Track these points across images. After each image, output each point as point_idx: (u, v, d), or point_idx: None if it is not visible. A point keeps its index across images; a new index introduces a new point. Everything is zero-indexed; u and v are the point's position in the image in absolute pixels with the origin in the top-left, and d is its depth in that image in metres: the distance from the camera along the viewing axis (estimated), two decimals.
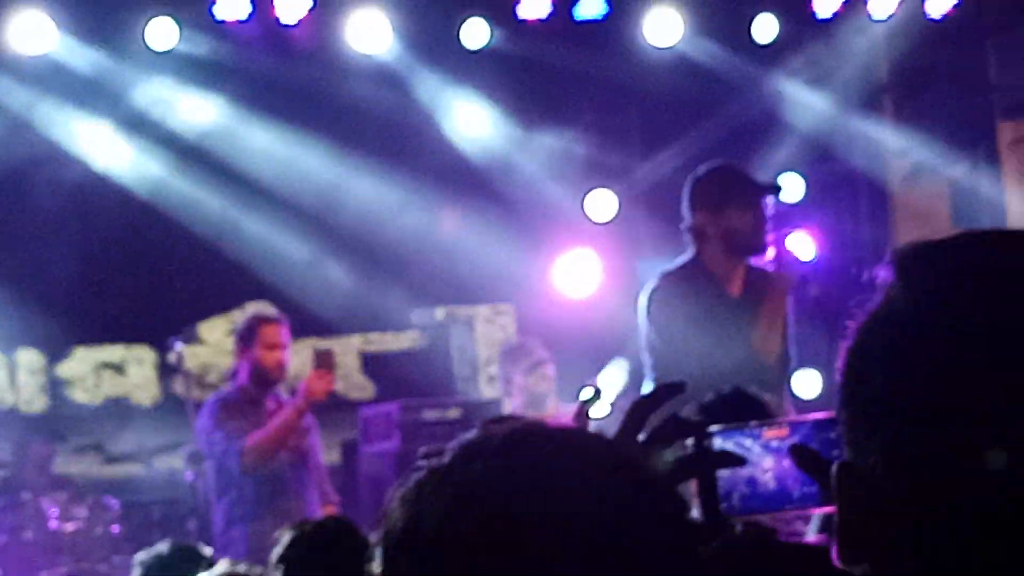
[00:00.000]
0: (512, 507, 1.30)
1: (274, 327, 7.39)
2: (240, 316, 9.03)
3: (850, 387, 1.20)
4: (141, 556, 4.77)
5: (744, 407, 3.55)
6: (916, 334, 1.14)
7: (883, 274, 1.22)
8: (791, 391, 6.48)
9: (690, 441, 1.80)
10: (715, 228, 5.90)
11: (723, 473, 1.78)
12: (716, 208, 5.89)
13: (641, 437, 1.83)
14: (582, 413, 2.07)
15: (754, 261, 6.13)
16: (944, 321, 1.14)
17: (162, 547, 4.79)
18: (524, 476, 1.32)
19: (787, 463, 1.76)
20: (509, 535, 1.29)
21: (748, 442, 1.79)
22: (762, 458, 1.77)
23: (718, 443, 1.79)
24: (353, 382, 10.52)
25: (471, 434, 1.37)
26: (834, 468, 1.21)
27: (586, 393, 7.73)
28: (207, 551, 4.97)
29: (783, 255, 6.54)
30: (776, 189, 6.33)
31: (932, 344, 1.13)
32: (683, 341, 5.73)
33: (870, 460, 1.18)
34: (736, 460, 1.77)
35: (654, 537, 1.32)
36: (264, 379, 7.25)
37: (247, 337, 7.34)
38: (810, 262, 9.29)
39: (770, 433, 1.78)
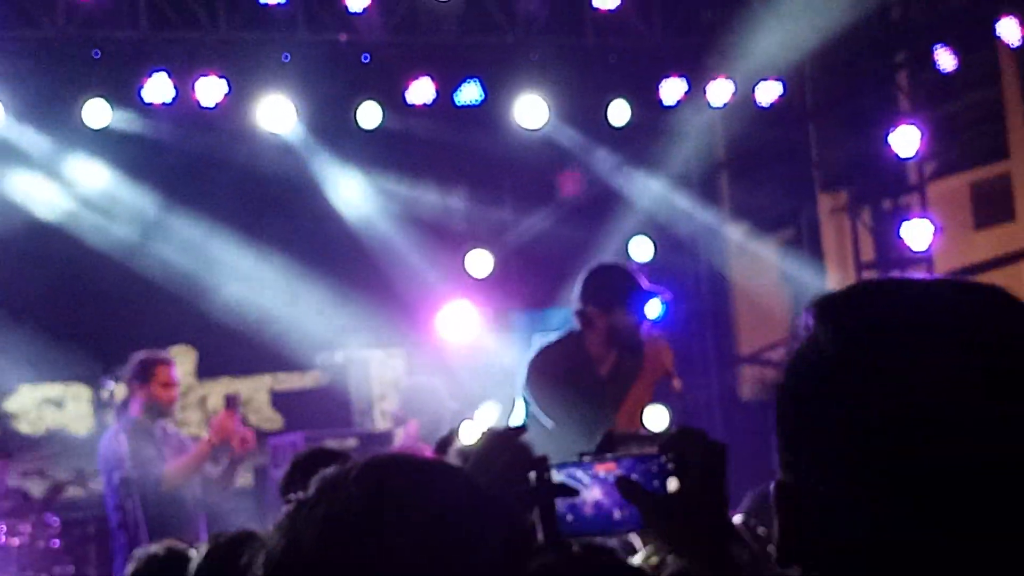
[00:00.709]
0: (373, 529, 1.39)
1: (168, 367, 7.87)
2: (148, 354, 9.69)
3: (785, 418, 1.29)
4: (138, 552, 4.76)
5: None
6: (841, 372, 1.23)
7: (805, 320, 1.31)
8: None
9: (533, 474, 1.88)
10: (602, 321, 6.01)
11: (562, 500, 1.87)
12: (605, 306, 6.00)
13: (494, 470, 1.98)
14: (443, 445, 2.20)
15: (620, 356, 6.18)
16: (863, 360, 1.23)
17: (157, 548, 4.81)
18: (382, 502, 1.41)
19: (613, 492, 1.85)
20: (370, 553, 1.39)
21: (580, 474, 1.87)
22: (592, 488, 1.86)
23: (555, 476, 1.88)
24: (264, 415, 10.97)
25: (332, 469, 1.45)
26: (772, 486, 1.31)
27: (459, 428, 8.51)
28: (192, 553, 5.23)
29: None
30: (659, 295, 6.30)
31: (855, 380, 1.22)
32: (551, 411, 5.87)
33: (801, 478, 1.27)
34: (569, 491, 1.86)
35: (493, 553, 1.42)
36: (158, 412, 7.74)
37: (143, 375, 7.79)
38: (658, 318, 9.87)
39: (600, 467, 1.86)
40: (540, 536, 1.86)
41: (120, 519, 7.93)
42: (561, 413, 5.84)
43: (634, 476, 1.85)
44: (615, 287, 6.07)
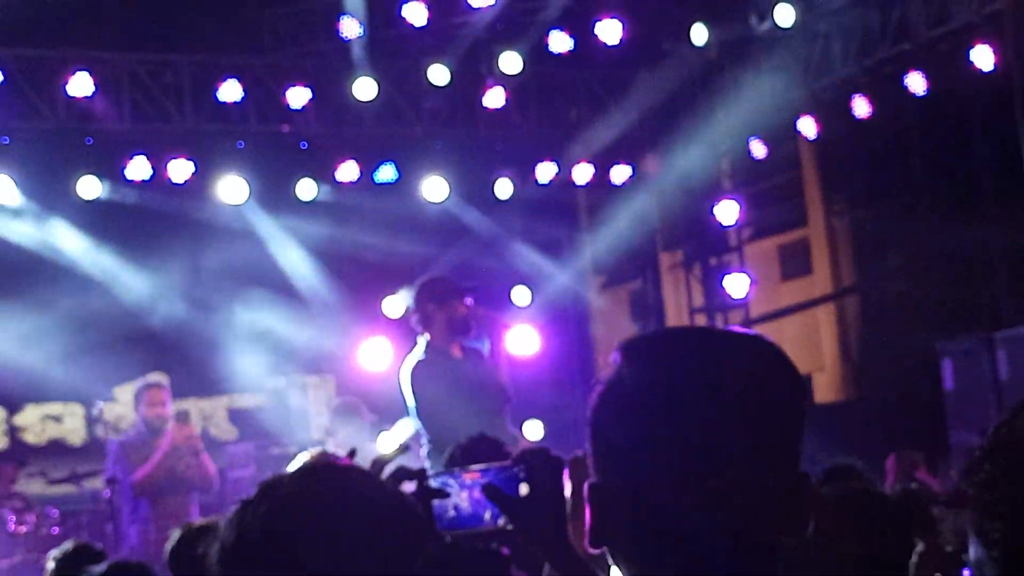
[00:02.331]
0: (306, 521, 1.54)
1: (155, 391, 8.69)
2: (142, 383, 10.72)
3: (595, 434, 1.41)
4: (54, 553, 4.82)
5: (484, 446, 4.21)
6: (638, 402, 1.37)
7: (614, 357, 1.42)
8: (513, 419, 6.97)
9: (412, 481, 2.02)
10: (440, 314, 6.50)
11: (438, 501, 2.00)
12: (441, 301, 6.52)
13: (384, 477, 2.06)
14: (376, 465, 2.12)
15: (463, 340, 6.72)
16: (652, 393, 1.37)
17: (67, 545, 4.86)
18: (314, 499, 1.57)
19: (478, 495, 1.99)
20: (305, 541, 1.53)
21: (452, 481, 1.99)
22: (461, 492, 2.01)
23: (432, 482, 2.01)
24: (223, 428, 12.13)
25: (271, 475, 1.62)
26: (586, 486, 1.41)
27: (380, 440, 8.55)
28: (99, 547, 5.05)
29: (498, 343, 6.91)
30: (476, 289, 6.77)
31: (646, 407, 1.37)
32: (437, 402, 6.31)
33: (607, 481, 1.40)
34: (441, 494, 2.01)
35: (401, 536, 1.58)
36: (150, 427, 8.61)
37: (137, 398, 8.77)
38: (535, 353, 10.26)
39: (467, 476, 1.98)
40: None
41: (110, 512, 8.98)
42: (444, 401, 6.22)
43: (498, 483, 1.98)
44: (445, 286, 6.64)
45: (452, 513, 2.02)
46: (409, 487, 2.01)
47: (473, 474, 2.02)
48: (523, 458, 2.02)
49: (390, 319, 11.09)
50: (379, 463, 2.12)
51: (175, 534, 4.29)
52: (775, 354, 1.44)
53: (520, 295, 12.18)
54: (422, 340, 6.62)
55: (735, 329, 1.52)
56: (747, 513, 1.37)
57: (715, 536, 1.36)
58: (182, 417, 8.64)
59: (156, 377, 9.60)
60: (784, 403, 1.42)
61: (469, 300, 6.66)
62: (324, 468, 1.66)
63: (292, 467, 4.14)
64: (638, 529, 1.39)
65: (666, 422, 1.37)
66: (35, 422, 11.82)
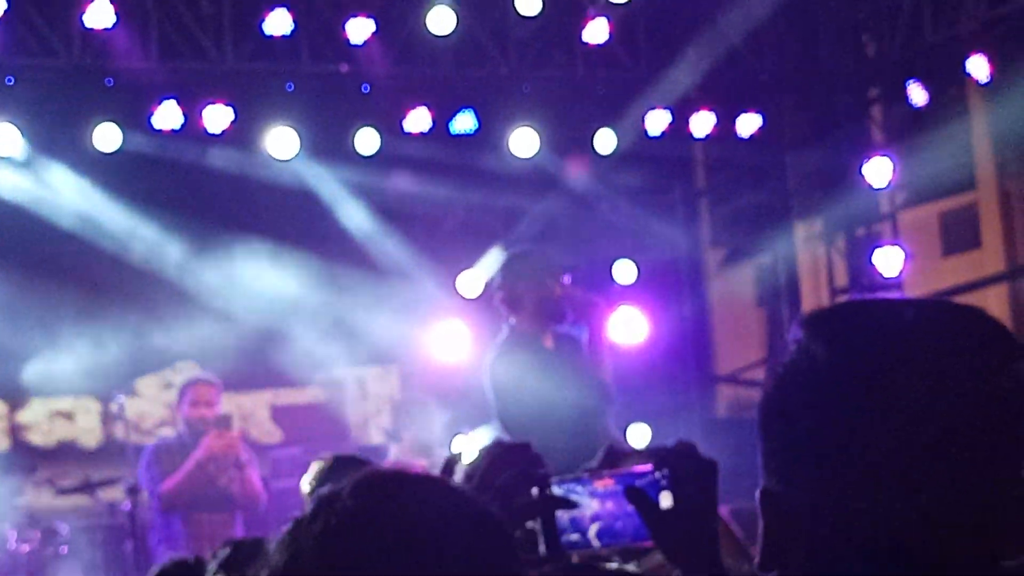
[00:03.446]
0: (367, 543, 1.38)
1: (202, 388, 8.18)
2: (171, 374, 9.70)
3: (771, 426, 1.29)
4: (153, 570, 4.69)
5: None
6: (832, 383, 1.25)
7: (795, 334, 1.31)
8: (614, 421, 6.51)
9: (535, 489, 1.88)
10: (531, 295, 6.08)
11: (564, 513, 1.86)
12: (533, 279, 6.09)
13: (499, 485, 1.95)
14: (449, 466, 2.14)
15: (557, 327, 6.23)
16: (854, 372, 1.25)
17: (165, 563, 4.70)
18: (375, 517, 1.40)
19: (611, 506, 1.84)
20: (366, 566, 1.37)
21: (580, 489, 1.86)
22: (591, 503, 1.86)
23: (555, 490, 1.87)
24: (265, 429, 11.07)
25: (326, 488, 1.44)
26: (757, 493, 1.29)
27: (455, 445, 8.37)
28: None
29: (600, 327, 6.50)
30: (575, 268, 6.41)
31: (846, 391, 1.24)
32: (523, 402, 5.92)
33: (786, 485, 1.27)
34: (569, 504, 1.86)
35: (480, 564, 1.40)
36: (194, 431, 8.07)
37: (181, 396, 8.21)
38: (642, 341, 9.78)
39: (598, 483, 1.84)
40: (542, 548, 1.88)
41: (131, 527, 8.34)
42: (533, 399, 5.84)
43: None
44: (537, 262, 6.21)
45: (579, 527, 1.87)
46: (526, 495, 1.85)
47: (606, 481, 1.87)
48: (666, 459, 1.86)
49: (467, 299, 10.22)
50: (451, 463, 2.12)
51: (217, 554, 3.91)
52: (1002, 330, 1.29)
53: (624, 271, 10.97)
54: (507, 326, 6.16)
55: (944, 300, 1.34)
56: (975, 526, 1.21)
57: (935, 555, 1.20)
58: (223, 423, 8.13)
59: (202, 373, 8.67)
60: (1013, 388, 1.25)
61: (567, 279, 6.18)
62: (390, 478, 1.44)
63: (309, 476, 4.45)
64: (830, 548, 1.23)
65: (875, 410, 1.23)
66: (42, 419, 10.81)
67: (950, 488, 1.20)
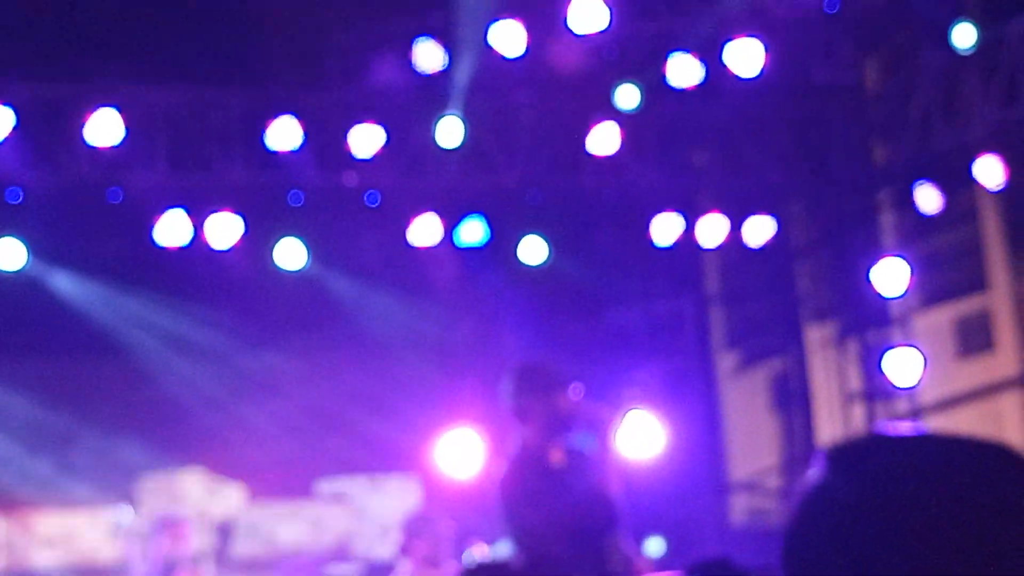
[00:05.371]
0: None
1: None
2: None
3: (796, 558, 1.28)
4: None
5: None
6: (853, 522, 1.23)
7: (819, 464, 1.30)
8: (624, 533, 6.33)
9: None
10: (538, 408, 5.94)
11: None
12: (540, 392, 5.95)
13: None
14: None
15: (569, 440, 6.12)
16: (878, 511, 1.23)
17: None
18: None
19: None
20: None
21: None
22: None
23: None
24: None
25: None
26: None
27: (468, 557, 8.41)
28: None
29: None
30: (575, 381, 6.28)
31: (869, 529, 1.23)
32: (529, 521, 5.82)
33: None
34: None
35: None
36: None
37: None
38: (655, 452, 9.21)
39: None
40: None
41: None
42: (539, 519, 5.76)
43: None
44: (544, 375, 6.04)
45: None
46: None
47: None
48: (697, 571, 1.48)
49: (481, 406, 9.61)
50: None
51: None
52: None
53: (635, 379, 10.65)
54: (518, 437, 6.02)
55: (968, 435, 1.30)
56: None
57: None
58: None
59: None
60: None
61: (575, 391, 6.03)
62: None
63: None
64: None
65: (892, 548, 1.21)
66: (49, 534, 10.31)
67: None
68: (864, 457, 1.30)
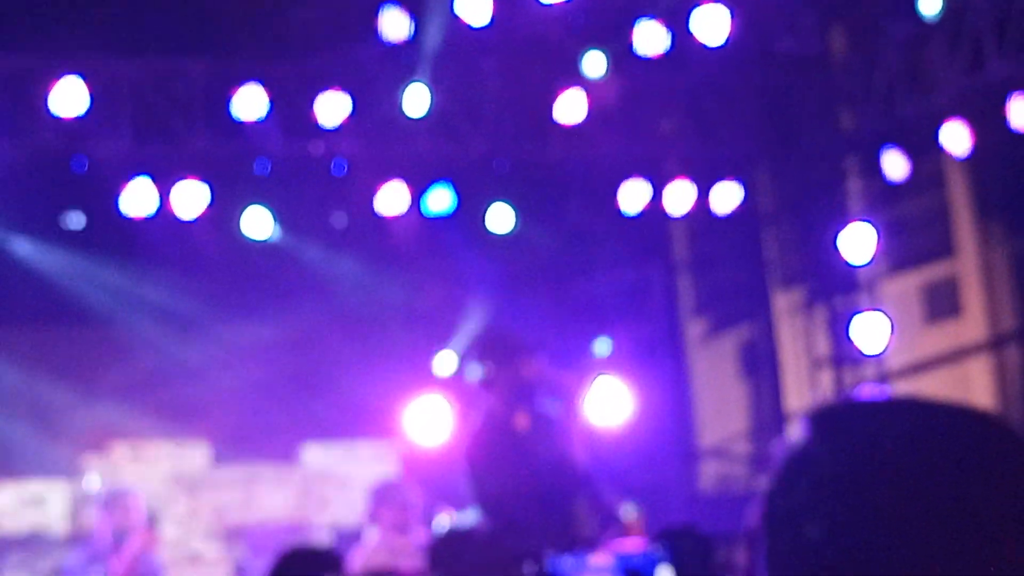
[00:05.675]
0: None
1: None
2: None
3: (775, 521, 1.28)
4: None
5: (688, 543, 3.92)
6: (837, 488, 1.24)
7: (800, 429, 1.30)
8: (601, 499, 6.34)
9: (532, 565, 1.94)
10: (503, 375, 6.05)
11: None
12: (504, 359, 6.07)
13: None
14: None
15: (534, 406, 6.19)
16: (862, 478, 1.23)
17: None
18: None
19: None
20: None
21: (575, 564, 1.95)
22: None
23: (551, 566, 1.97)
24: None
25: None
26: None
27: (438, 522, 8.48)
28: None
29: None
30: (541, 348, 6.36)
31: (850, 497, 1.23)
32: (495, 488, 5.97)
33: None
34: None
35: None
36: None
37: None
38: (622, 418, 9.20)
39: (596, 559, 1.93)
40: None
41: None
42: (505, 485, 5.85)
43: (636, 566, 1.69)
44: (508, 341, 6.17)
45: None
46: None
47: (603, 557, 1.04)
48: (664, 536, 0.99)
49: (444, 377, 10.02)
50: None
51: None
52: (1016, 440, 1.28)
53: (601, 345, 10.96)
54: (481, 406, 6.19)
55: (953, 402, 1.32)
56: None
57: None
58: (151, 521, 7.83)
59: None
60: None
61: (539, 358, 6.17)
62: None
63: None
64: None
65: (877, 514, 1.21)
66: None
67: None
68: (848, 421, 1.30)
